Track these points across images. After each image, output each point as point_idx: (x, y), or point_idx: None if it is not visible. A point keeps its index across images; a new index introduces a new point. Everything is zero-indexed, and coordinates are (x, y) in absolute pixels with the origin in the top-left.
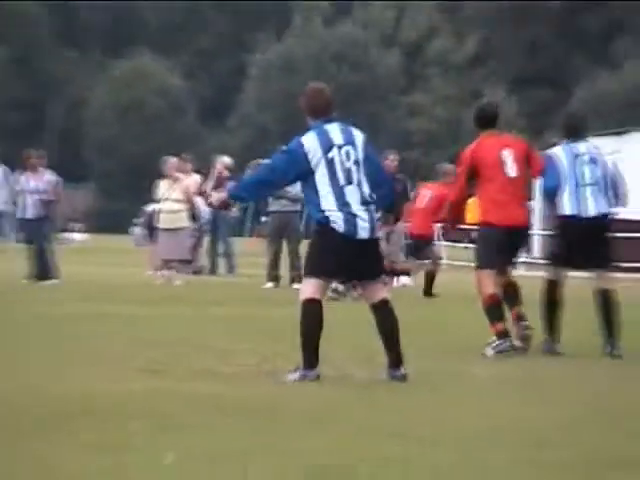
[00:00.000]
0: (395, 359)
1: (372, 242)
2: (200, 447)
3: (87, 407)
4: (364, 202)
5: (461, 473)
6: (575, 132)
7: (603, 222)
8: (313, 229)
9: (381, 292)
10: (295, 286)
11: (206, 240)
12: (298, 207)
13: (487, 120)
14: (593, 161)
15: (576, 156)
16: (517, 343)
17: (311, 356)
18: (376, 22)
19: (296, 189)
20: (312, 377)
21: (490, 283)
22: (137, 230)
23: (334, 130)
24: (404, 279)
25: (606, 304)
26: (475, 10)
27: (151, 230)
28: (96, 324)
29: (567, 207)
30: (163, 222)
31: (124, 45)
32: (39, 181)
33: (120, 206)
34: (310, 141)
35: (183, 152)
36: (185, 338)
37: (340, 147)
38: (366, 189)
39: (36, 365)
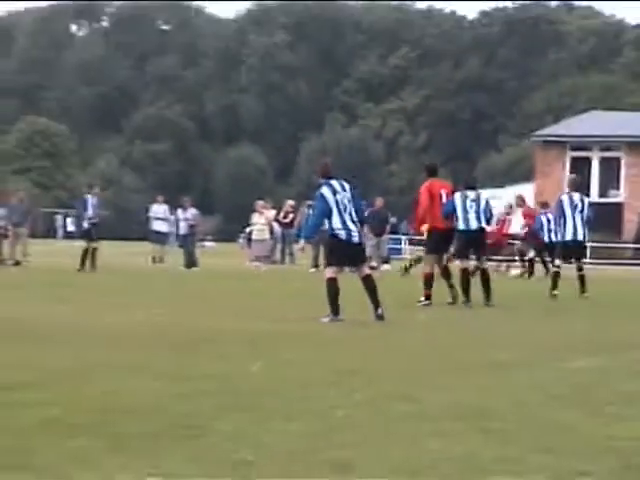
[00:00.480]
0: (375, 304)
1: (360, 244)
2: (284, 357)
3: (211, 336)
4: (354, 222)
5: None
6: (468, 185)
7: (481, 232)
8: (327, 239)
9: (366, 270)
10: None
11: (278, 245)
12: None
13: (432, 171)
14: (475, 200)
15: (466, 197)
16: (449, 300)
17: (336, 308)
18: (369, 127)
19: None
20: (337, 320)
21: (429, 264)
22: (241, 240)
23: (336, 184)
24: (386, 266)
25: (484, 277)
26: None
27: (249, 240)
28: (220, 288)
29: (461, 224)
30: (255, 235)
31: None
32: (187, 213)
33: (233, 227)
34: (326, 192)
35: (265, 197)
36: (266, 298)
37: (340, 193)
38: (354, 215)
39: (191, 310)
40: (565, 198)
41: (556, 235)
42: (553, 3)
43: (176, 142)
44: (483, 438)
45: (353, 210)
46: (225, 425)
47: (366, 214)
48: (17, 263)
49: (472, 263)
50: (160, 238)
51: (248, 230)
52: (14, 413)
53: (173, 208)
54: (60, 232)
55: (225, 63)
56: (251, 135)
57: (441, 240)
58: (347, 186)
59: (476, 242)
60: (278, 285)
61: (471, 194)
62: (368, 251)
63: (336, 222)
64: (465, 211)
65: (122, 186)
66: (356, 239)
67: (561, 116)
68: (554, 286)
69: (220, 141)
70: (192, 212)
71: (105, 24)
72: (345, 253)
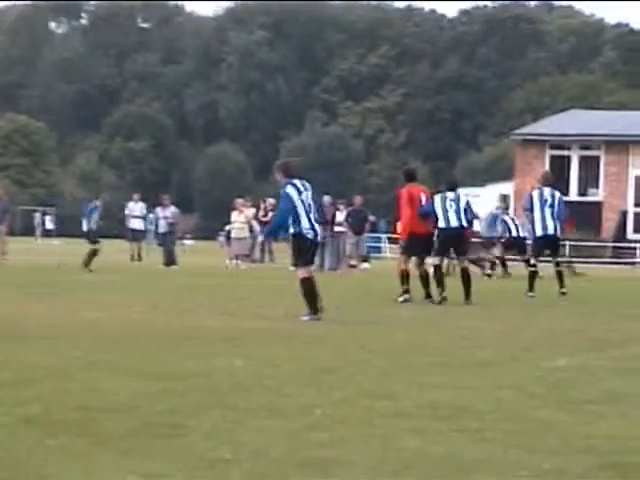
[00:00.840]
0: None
1: (318, 245)
2: (263, 355)
3: (191, 334)
4: (317, 222)
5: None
6: (449, 186)
7: (461, 230)
8: (294, 239)
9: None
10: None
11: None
12: None
13: (411, 176)
14: (455, 200)
15: (445, 198)
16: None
17: (314, 307)
18: (349, 125)
19: None
20: (316, 318)
21: (403, 262)
22: (221, 238)
23: (299, 183)
24: (365, 264)
25: (465, 276)
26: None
27: (228, 238)
28: (200, 286)
29: (442, 223)
30: (234, 233)
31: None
32: (167, 212)
33: (212, 225)
34: (291, 191)
35: (245, 196)
36: (246, 297)
37: (304, 192)
38: (315, 215)
39: (173, 307)
40: (535, 193)
41: (525, 231)
42: (533, 2)
43: (155, 140)
44: (462, 437)
45: (314, 210)
46: (204, 423)
47: (345, 212)
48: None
49: (447, 261)
50: (137, 236)
51: (227, 228)
52: None
53: (152, 206)
54: (38, 230)
55: (205, 61)
56: (231, 133)
57: (420, 244)
58: (309, 185)
59: (456, 240)
60: (258, 283)
61: (450, 194)
62: (348, 249)
63: (304, 222)
64: (445, 210)
65: (101, 184)
66: (318, 239)
67: (541, 115)
68: (530, 287)
69: (199, 139)
70: (171, 210)
71: (84, 22)
72: (312, 252)
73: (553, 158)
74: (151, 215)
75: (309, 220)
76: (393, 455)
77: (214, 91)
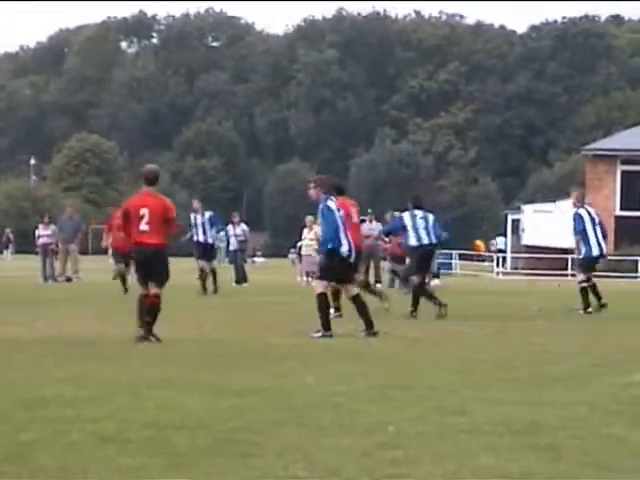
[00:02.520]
0: (367, 324)
1: (351, 264)
2: (334, 371)
3: (262, 350)
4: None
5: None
6: (416, 204)
7: (433, 247)
8: (325, 254)
9: (354, 290)
10: (378, 286)
11: None
12: (379, 242)
13: (341, 190)
14: (424, 218)
15: (415, 216)
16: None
17: (326, 324)
18: (419, 142)
19: (377, 231)
20: (327, 335)
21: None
22: (292, 256)
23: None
24: (436, 281)
25: (420, 291)
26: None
27: (299, 255)
28: (270, 304)
29: (414, 241)
30: (304, 250)
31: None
32: (238, 229)
33: (282, 242)
34: (333, 205)
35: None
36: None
37: (341, 210)
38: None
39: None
40: (584, 214)
41: (581, 251)
42: (603, 17)
43: (226, 157)
44: (536, 454)
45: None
46: (277, 441)
47: None
48: (68, 279)
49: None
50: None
51: (299, 245)
52: (69, 429)
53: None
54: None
55: (275, 79)
56: (301, 150)
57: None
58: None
59: (429, 257)
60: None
61: (419, 212)
62: None
63: (343, 238)
64: (415, 228)
65: (174, 203)
66: (352, 258)
67: (611, 130)
68: (586, 304)
69: (270, 156)
70: (242, 228)
71: (155, 41)
72: (342, 270)
73: (624, 173)
74: (222, 233)
75: (346, 236)
76: (468, 473)
77: (284, 109)
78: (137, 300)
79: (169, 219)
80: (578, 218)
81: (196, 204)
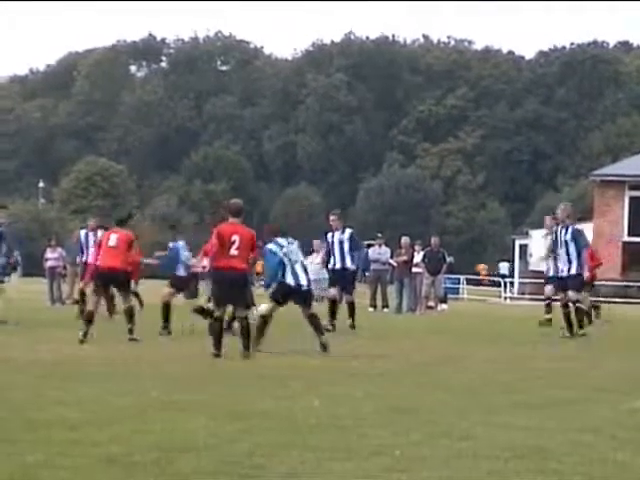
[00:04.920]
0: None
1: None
2: (337, 395)
3: (267, 373)
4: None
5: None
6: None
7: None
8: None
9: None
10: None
11: None
12: (387, 267)
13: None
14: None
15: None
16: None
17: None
18: (427, 167)
19: (386, 256)
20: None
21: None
22: None
23: (282, 240)
24: (443, 305)
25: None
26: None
27: None
28: (277, 324)
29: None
30: (312, 274)
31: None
32: None
33: None
34: (273, 247)
35: (322, 237)
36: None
37: (286, 247)
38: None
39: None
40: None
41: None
42: (611, 43)
43: (234, 181)
44: (541, 479)
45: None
46: (282, 464)
47: (422, 253)
48: (76, 302)
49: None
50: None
51: None
52: (75, 451)
53: None
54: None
55: (283, 103)
56: (309, 175)
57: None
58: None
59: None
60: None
61: (283, 241)
62: (424, 290)
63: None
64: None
65: (182, 226)
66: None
67: (620, 156)
68: (580, 326)
69: (277, 181)
70: None
71: (164, 65)
72: (289, 295)
73: (632, 199)
74: None
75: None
76: None
77: (292, 133)
78: (208, 325)
79: (254, 247)
80: (584, 235)
81: None
